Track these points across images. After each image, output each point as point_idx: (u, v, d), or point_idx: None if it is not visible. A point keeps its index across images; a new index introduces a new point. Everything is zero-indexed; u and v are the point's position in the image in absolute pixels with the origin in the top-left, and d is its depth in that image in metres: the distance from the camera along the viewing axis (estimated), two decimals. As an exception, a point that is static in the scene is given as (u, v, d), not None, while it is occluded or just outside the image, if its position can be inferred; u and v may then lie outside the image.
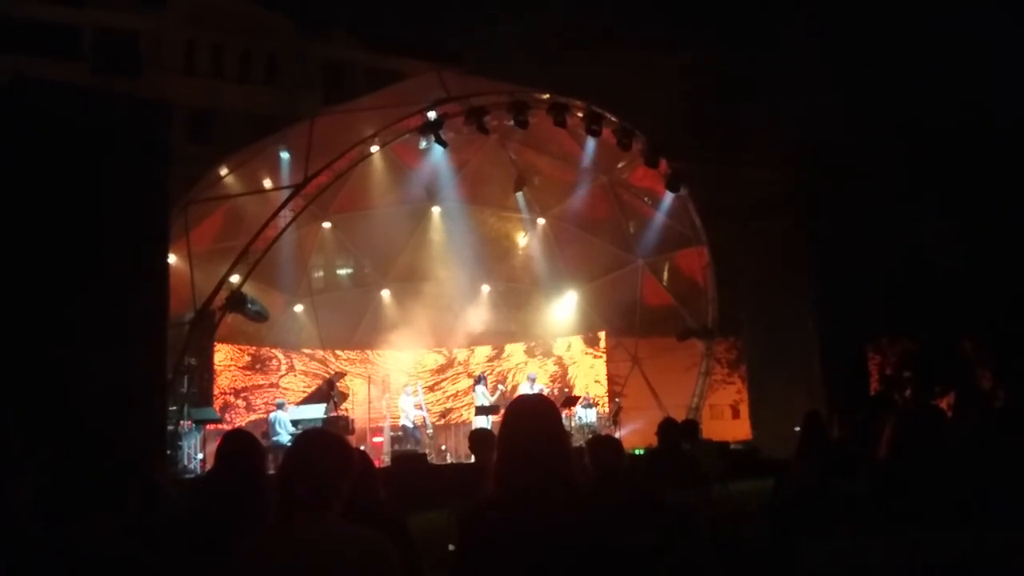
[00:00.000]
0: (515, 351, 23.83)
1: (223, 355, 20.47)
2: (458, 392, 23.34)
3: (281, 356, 21.99)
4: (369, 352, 22.93)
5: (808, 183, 22.26)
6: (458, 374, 23.56)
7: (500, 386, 21.51)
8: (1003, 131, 22.29)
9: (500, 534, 2.85)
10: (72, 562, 3.85)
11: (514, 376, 23.21)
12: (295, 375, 21.84)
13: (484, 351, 23.86)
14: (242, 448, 4.71)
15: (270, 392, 20.83)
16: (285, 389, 21.11)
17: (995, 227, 21.63)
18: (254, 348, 21.31)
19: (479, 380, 20.77)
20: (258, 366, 21.41)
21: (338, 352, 22.74)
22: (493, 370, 23.35)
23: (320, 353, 22.54)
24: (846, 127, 23.43)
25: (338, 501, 2.99)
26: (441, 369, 23.71)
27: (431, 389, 23.18)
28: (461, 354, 23.84)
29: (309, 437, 3.30)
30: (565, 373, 23.34)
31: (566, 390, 22.37)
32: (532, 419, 3.06)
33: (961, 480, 3.99)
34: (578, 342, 23.37)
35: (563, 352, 23.55)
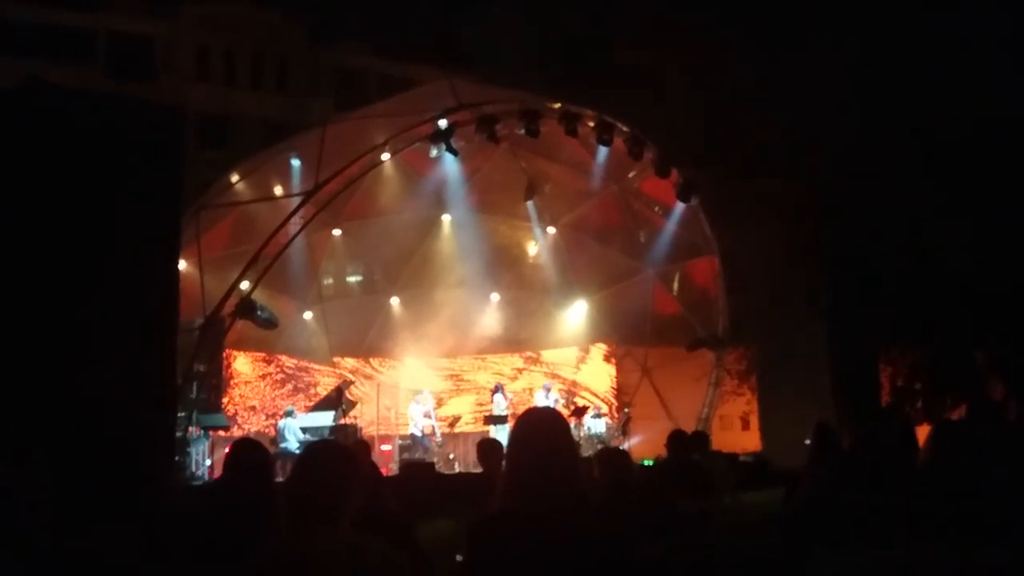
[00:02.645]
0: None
1: (247, 367, 20.62)
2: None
3: (308, 365, 22.10)
4: (388, 359, 22.97)
5: (818, 191, 22.20)
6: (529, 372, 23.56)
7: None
8: (1015, 136, 22.19)
9: (509, 546, 2.83)
10: (79, 573, 3.83)
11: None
12: (318, 385, 21.87)
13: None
14: (251, 457, 4.70)
15: (288, 400, 20.82)
16: (305, 397, 21.17)
17: (1007, 234, 21.53)
18: (273, 356, 21.40)
19: (497, 389, 20.72)
20: (280, 376, 21.47)
21: (372, 360, 22.85)
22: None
23: (350, 361, 22.61)
24: (856, 133, 23.37)
25: (346, 513, 2.98)
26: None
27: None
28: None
29: (318, 449, 3.29)
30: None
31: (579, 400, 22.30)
32: (541, 432, 3.05)
33: (981, 494, 3.96)
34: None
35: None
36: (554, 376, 23.25)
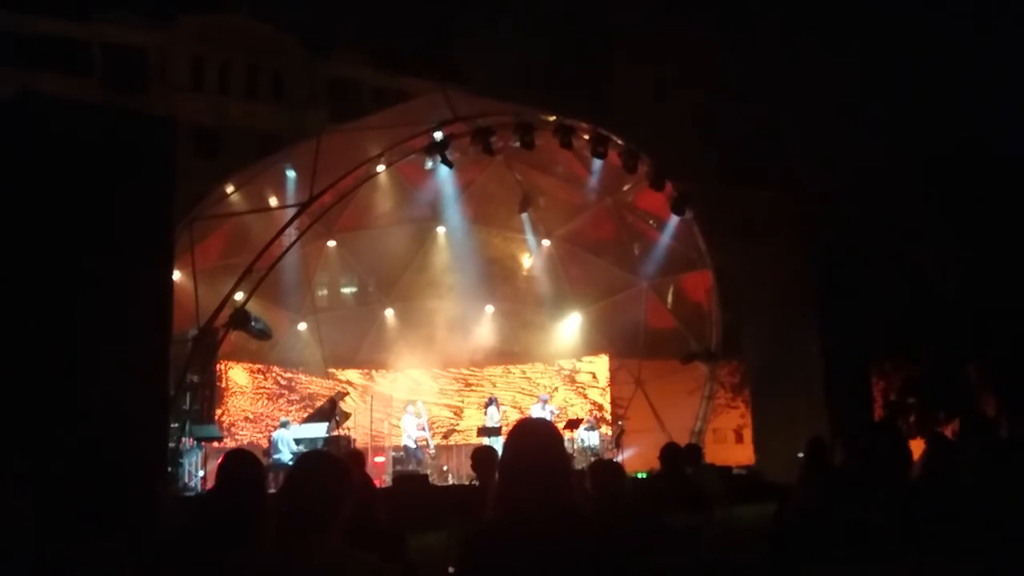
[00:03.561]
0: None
1: (243, 378, 20.57)
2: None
3: (303, 376, 22.08)
4: (381, 370, 22.94)
5: (814, 206, 22.25)
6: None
7: None
8: (1008, 156, 22.30)
9: (501, 559, 2.83)
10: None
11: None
12: (312, 397, 21.81)
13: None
14: (243, 468, 4.68)
15: (282, 412, 20.75)
16: (299, 408, 21.13)
17: (1000, 251, 21.61)
18: (268, 368, 21.36)
19: (491, 402, 20.64)
20: (274, 387, 21.44)
21: (365, 372, 22.84)
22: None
23: (344, 373, 22.62)
24: (851, 150, 23.46)
25: (337, 524, 2.96)
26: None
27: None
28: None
29: (309, 460, 3.28)
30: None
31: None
32: (534, 444, 3.04)
33: (973, 509, 3.97)
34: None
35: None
36: (554, 386, 23.20)
